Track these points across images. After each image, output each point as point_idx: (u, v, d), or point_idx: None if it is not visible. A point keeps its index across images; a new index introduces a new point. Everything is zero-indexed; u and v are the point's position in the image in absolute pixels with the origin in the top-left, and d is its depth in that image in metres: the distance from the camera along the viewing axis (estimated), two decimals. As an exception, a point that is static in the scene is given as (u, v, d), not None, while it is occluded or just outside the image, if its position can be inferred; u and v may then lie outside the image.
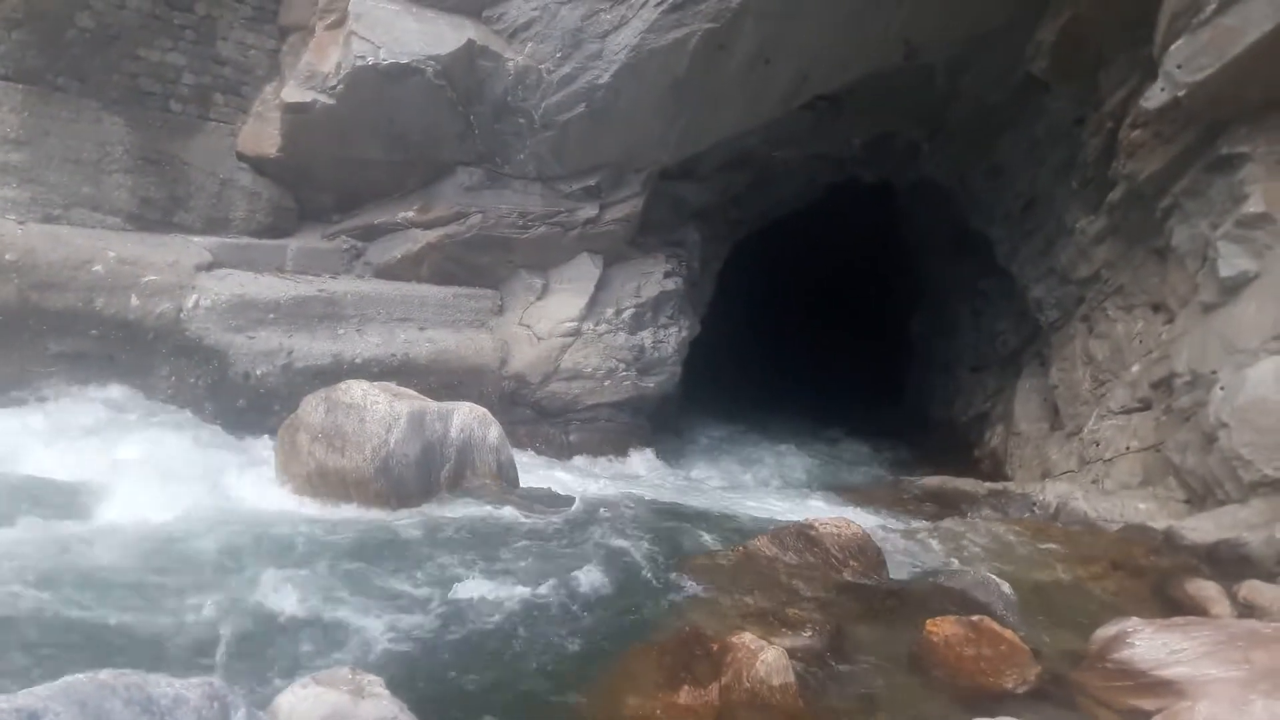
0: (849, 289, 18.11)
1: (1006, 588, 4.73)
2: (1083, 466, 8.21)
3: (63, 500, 5.11)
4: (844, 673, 3.75)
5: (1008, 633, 3.90)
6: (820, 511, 6.90)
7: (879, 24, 8.98)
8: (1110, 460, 7.75)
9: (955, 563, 5.60)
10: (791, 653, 3.51)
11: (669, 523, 5.83)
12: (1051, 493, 7.77)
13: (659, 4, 8.19)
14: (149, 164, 7.97)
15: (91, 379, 7.01)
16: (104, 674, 2.08)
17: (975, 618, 3.99)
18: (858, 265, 17.20)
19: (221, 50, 8.43)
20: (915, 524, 6.76)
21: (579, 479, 7.99)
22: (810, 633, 3.94)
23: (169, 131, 8.14)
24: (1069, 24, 8.32)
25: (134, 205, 7.87)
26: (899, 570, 5.17)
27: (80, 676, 2.03)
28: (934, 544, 5.98)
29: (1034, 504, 7.78)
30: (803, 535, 4.85)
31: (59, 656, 3.30)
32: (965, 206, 11.39)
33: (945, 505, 7.91)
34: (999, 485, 8.64)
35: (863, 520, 5.87)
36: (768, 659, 3.38)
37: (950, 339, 13.22)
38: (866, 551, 4.85)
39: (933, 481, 8.90)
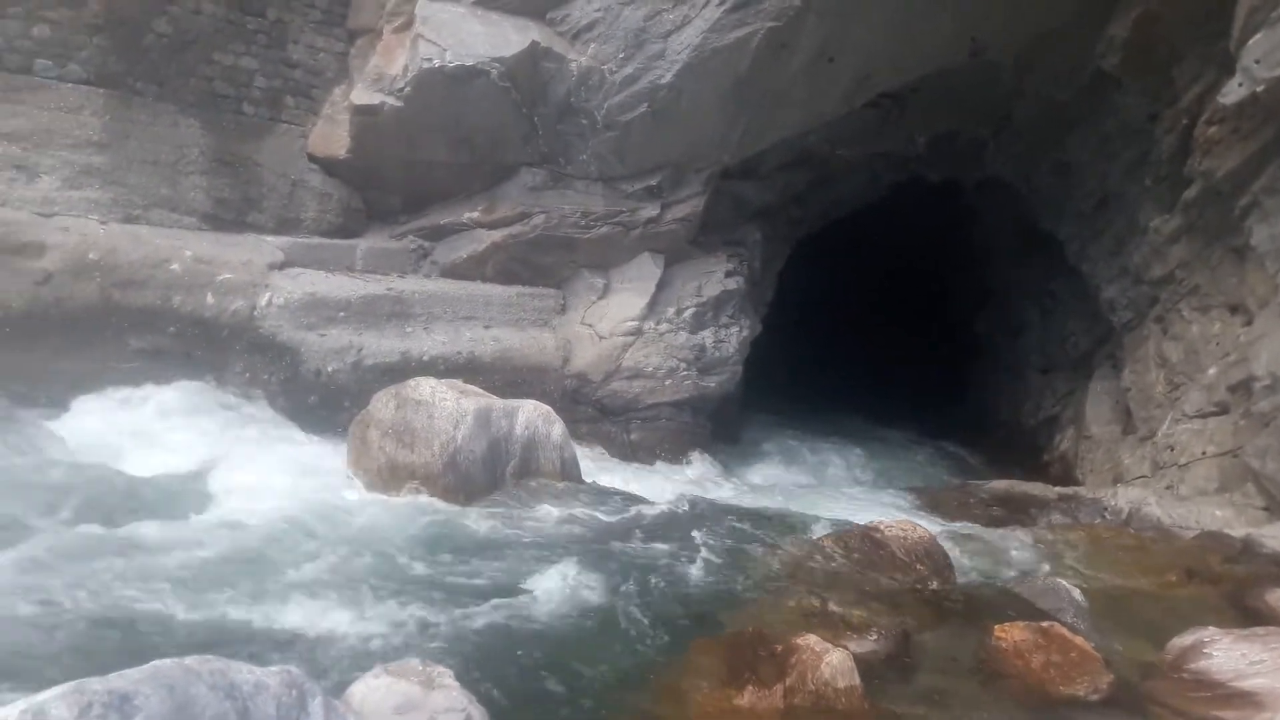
0: (912, 288, 17.86)
1: (1077, 594, 4.64)
2: (1156, 472, 8.02)
3: (141, 494, 5.30)
4: (910, 677, 3.72)
5: (1079, 640, 3.82)
6: (885, 514, 6.82)
7: (944, 21, 8.86)
8: (1185, 465, 7.56)
9: (1024, 568, 5.51)
10: (856, 656, 3.48)
11: (731, 522, 5.82)
12: (1124, 498, 7.60)
13: (721, 3, 8.18)
14: (223, 165, 8.18)
15: (169, 375, 7.22)
16: (190, 660, 2.14)
17: (1045, 624, 3.93)
18: (921, 264, 16.96)
19: (292, 54, 8.62)
20: (982, 528, 6.65)
21: (640, 477, 8.03)
22: (876, 636, 3.91)
23: (242, 134, 8.35)
24: (1141, 19, 8.13)
25: (209, 206, 8.09)
26: (966, 575, 5.11)
27: (167, 661, 2.09)
28: (1002, 549, 5.88)
29: (1105, 509, 7.61)
30: (868, 538, 4.82)
31: (142, 645, 3.41)
32: (1033, 205, 11.19)
33: (1013, 510, 7.78)
34: (1069, 490, 8.46)
35: (928, 523, 5.80)
36: (833, 661, 3.37)
37: (1017, 340, 12.98)
38: (933, 555, 4.79)
39: (1000, 485, 8.75)
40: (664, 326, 9.86)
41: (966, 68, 9.50)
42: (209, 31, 8.04)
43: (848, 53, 8.80)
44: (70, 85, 7.42)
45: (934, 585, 4.70)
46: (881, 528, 4.89)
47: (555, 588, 4.22)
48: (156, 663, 2.06)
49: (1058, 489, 8.53)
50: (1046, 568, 5.51)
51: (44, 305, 6.84)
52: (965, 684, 3.70)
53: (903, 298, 18.26)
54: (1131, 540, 6.31)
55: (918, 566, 4.75)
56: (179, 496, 5.42)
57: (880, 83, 9.48)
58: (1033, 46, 9.39)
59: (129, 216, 7.59)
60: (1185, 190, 7.96)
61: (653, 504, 6.08)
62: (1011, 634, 3.85)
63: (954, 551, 5.22)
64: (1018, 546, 5.99)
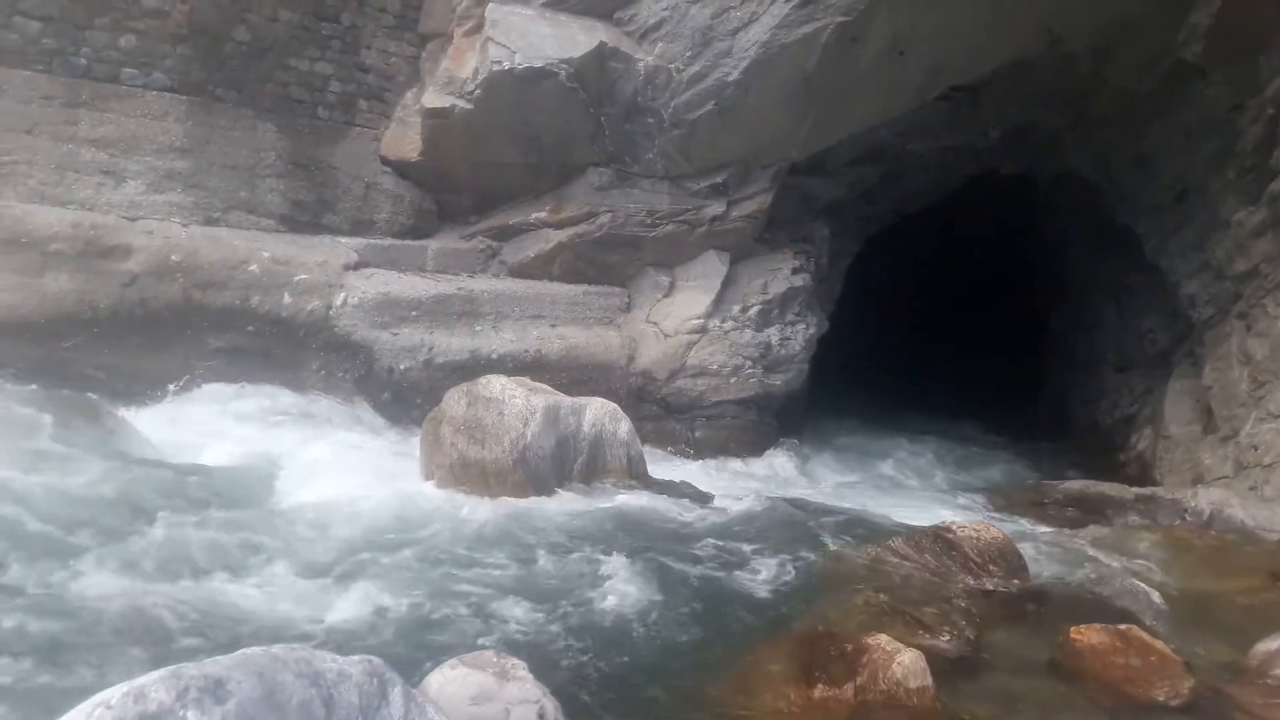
0: (985, 284, 17.55)
1: (1156, 597, 4.54)
2: (1239, 472, 7.78)
3: (219, 488, 5.45)
4: (983, 678, 3.68)
5: (1158, 643, 3.74)
6: (956, 514, 6.75)
7: (1019, 12, 8.69)
8: (1270, 466, 7.32)
9: (1100, 570, 5.40)
10: (928, 655, 3.45)
11: (798, 521, 5.80)
12: (1205, 499, 7.37)
13: (789, -1, 8.15)
14: (299, 169, 8.39)
15: (248, 373, 7.44)
16: (277, 648, 2.21)
17: (1123, 626, 3.85)
18: (995, 260, 16.66)
19: (365, 58, 8.81)
20: (1057, 529, 6.53)
21: (706, 475, 8.03)
22: (948, 636, 3.87)
23: (317, 137, 8.56)
24: (1226, 5, 7.88)
25: (286, 208, 8.31)
26: (1040, 576, 5.01)
27: (256, 649, 2.16)
28: (1077, 550, 5.76)
29: (1185, 511, 7.39)
30: (940, 538, 4.76)
31: (223, 631, 3.53)
32: (1110, 199, 10.91)
33: (1089, 510, 7.60)
34: (1147, 490, 8.24)
35: (1001, 524, 5.71)
36: (904, 661, 3.35)
37: (1093, 337, 12.68)
38: (1007, 556, 4.72)
39: (1075, 485, 8.55)
40: (729, 324, 9.84)
41: (1042, 59, 9.29)
42: (285, 38, 8.26)
43: (919, 45, 8.68)
44: (154, 93, 7.69)
45: (1007, 586, 4.63)
46: (954, 528, 4.83)
47: (623, 583, 4.26)
48: (246, 650, 2.13)
49: (1135, 489, 8.31)
50: (1124, 570, 5.38)
51: (129, 305, 7.10)
52: (1040, 686, 3.64)
53: (976, 293, 17.96)
54: (1213, 542, 6.14)
55: (991, 567, 4.68)
56: (256, 490, 5.58)
57: (953, 75, 9.33)
58: (1111, 36, 9.14)
59: (209, 219, 7.84)
60: (1271, 182, 7.70)
61: (719, 501, 6.09)
62: (1088, 636, 3.78)
63: (1028, 552, 5.13)
64: (1093, 548, 5.87)
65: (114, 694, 1.82)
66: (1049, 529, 6.62)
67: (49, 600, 3.59)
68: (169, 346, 7.25)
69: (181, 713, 1.83)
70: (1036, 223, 14.10)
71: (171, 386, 7.09)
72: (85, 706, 1.80)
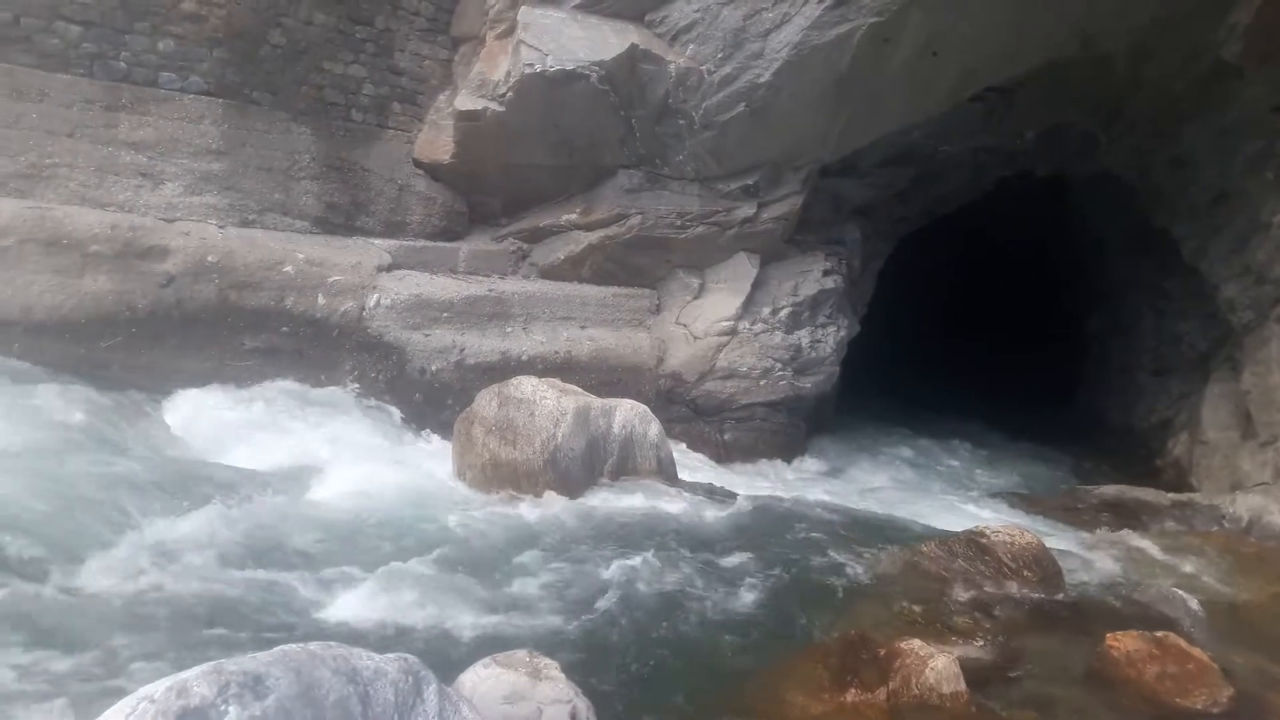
0: (1017, 286, 17.40)
1: (1194, 603, 4.48)
2: (1279, 478, 7.65)
3: (254, 486, 5.51)
4: (1017, 684, 3.65)
5: (1196, 650, 3.70)
6: (989, 519, 6.69)
7: (1053, 12, 8.60)
8: (1312, 472, 7.20)
9: (1136, 576, 5.34)
10: (962, 661, 3.43)
11: (829, 524, 5.78)
12: (1243, 505, 7.28)
13: (822, 0, 8.10)
14: (333, 171, 8.47)
15: (282, 373, 7.51)
16: (314, 645, 2.24)
17: (1160, 633, 3.81)
18: (1027, 261, 16.51)
19: (399, 61, 8.88)
20: (1092, 534, 6.46)
21: (735, 477, 8.02)
22: (981, 642, 3.85)
23: (351, 140, 8.63)
24: (1266, 5, 7.78)
25: (320, 210, 8.38)
26: (1075, 582, 4.97)
27: (294, 646, 2.19)
28: (1113, 556, 5.71)
29: (1223, 517, 7.30)
30: (973, 543, 4.73)
31: (256, 628, 3.57)
32: (1147, 201, 10.78)
33: (1124, 516, 7.52)
34: (1183, 496, 8.15)
35: (1035, 529, 5.66)
36: (938, 666, 3.33)
37: (1129, 340, 12.53)
38: (1041, 562, 4.67)
39: (1110, 490, 8.47)
40: (759, 326, 9.82)
41: (1077, 59, 9.19)
42: (320, 41, 8.33)
43: (953, 47, 8.62)
44: (192, 96, 7.77)
45: (1042, 592, 4.59)
46: (987, 533, 4.79)
47: (653, 584, 4.27)
48: (284, 647, 2.16)
49: (1171, 495, 8.23)
50: (1160, 576, 5.32)
51: (166, 306, 7.19)
52: (1074, 693, 3.61)
53: (1007, 296, 17.81)
54: (1252, 549, 6.06)
55: (1025, 573, 4.64)
56: (290, 488, 5.64)
57: (986, 77, 9.26)
58: (1147, 36, 9.04)
59: (245, 221, 7.92)
60: (1313, 184, 7.59)
61: (749, 504, 6.07)
62: (1124, 643, 3.74)
63: (1062, 558, 5.08)
64: (1129, 554, 5.82)
65: (157, 688, 1.85)
66: (1084, 534, 6.55)
67: (81, 593, 3.65)
68: (205, 346, 7.33)
69: (223, 707, 1.86)
70: (1070, 224, 13.95)
71: (207, 385, 7.17)
72: (129, 700, 1.83)
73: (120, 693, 2.78)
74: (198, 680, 1.88)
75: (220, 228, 7.67)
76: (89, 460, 5.17)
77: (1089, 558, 5.62)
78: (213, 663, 1.97)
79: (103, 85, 7.41)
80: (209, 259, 7.34)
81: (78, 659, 3.12)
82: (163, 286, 7.16)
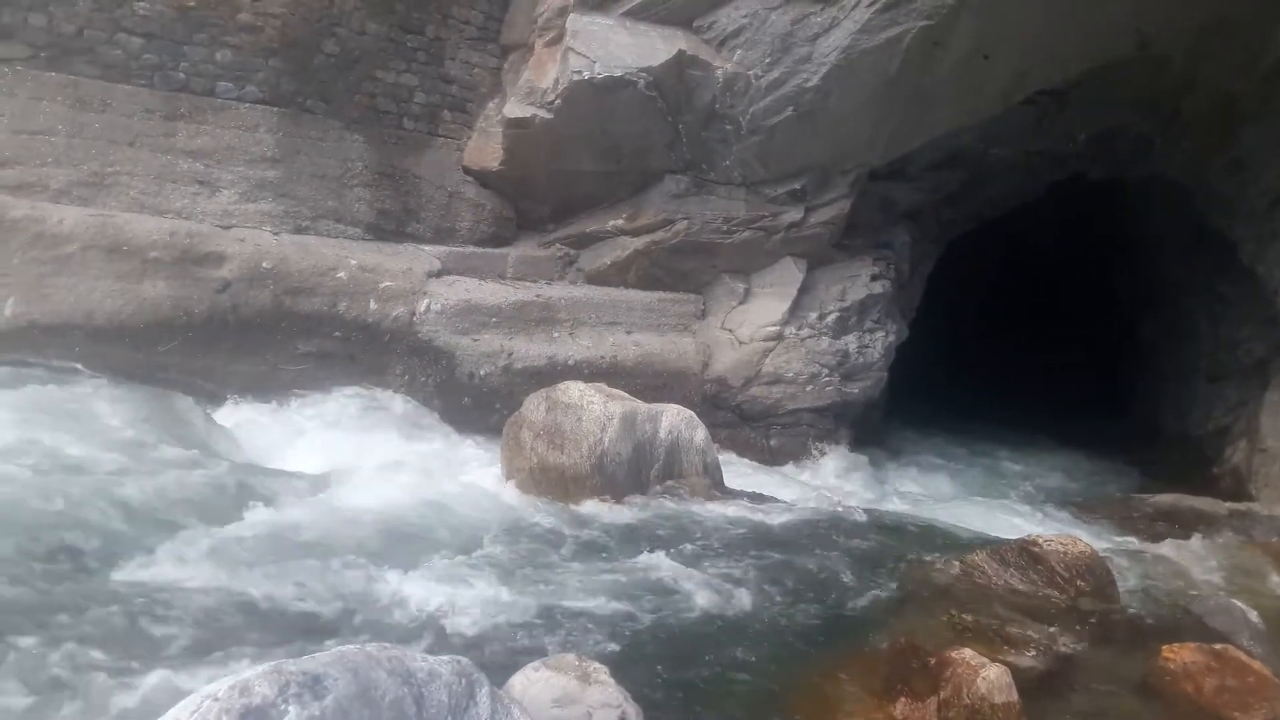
0: (1070, 291, 17.12)
1: (1254, 615, 4.37)
2: (1343, 488, 7.46)
3: (311, 488, 5.61)
4: (1070, 695, 3.59)
5: (1255, 663, 3.61)
6: (1040, 527, 6.61)
7: (1108, 13, 8.47)
8: (1376, 482, 7.00)
9: (1193, 587, 5.23)
10: (1014, 671, 3.38)
11: (877, 531, 5.74)
12: (1305, 516, 7.10)
13: (871, 4, 8.05)
14: (385, 178, 8.59)
15: (334, 377, 7.64)
16: (370, 646, 2.28)
17: (1218, 646, 3.72)
18: (1080, 266, 16.24)
19: (449, 70, 8.99)
20: (1147, 544, 6.34)
21: (782, 483, 7.99)
22: (1034, 652, 3.79)
23: (402, 148, 8.76)
24: (1330, 3, 7.58)
25: (372, 216, 8.50)
26: (1130, 593, 4.88)
27: (351, 647, 2.23)
28: (1168, 566, 5.59)
29: (1284, 527, 7.13)
30: (1025, 552, 4.66)
31: (308, 628, 3.63)
32: (1203, 203, 10.57)
33: (1180, 525, 7.37)
34: (1242, 506, 7.97)
35: (1088, 538, 5.56)
36: (989, 676, 3.29)
37: (1184, 346, 12.27)
38: (1095, 571, 4.59)
39: (1166, 499, 8.30)
40: (806, 331, 9.78)
41: (1132, 61, 9.05)
42: (372, 50, 8.47)
43: (1004, 49, 8.52)
44: (248, 105, 7.94)
45: (1095, 602, 4.51)
46: (1040, 542, 4.72)
47: (701, 590, 4.27)
48: (341, 648, 2.20)
49: (1229, 504, 8.05)
50: (1218, 587, 5.21)
51: (222, 311, 7.34)
52: (1130, 706, 3.55)
53: (1061, 300, 17.54)
54: (1316, 561, 5.90)
55: (1078, 583, 4.56)
56: (341, 490, 5.72)
57: (1038, 79, 9.14)
58: (1204, 37, 8.87)
59: (299, 227, 8.07)
60: (1378, 186, 7.39)
61: (796, 510, 6.04)
62: (1181, 655, 3.67)
63: (1116, 568, 5.00)
64: (1186, 564, 5.70)
65: (220, 687, 1.90)
66: (1138, 544, 6.43)
67: (139, 592, 3.73)
68: (259, 351, 7.48)
69: (283, 706, 1.90)
70: (1122, 227, 13.71)
71: (262, 389, 7.31)
72: (194, 699, 1.88)
73: (173, 691, 2.86)
74: (259, 680, 1.93)
75: (275, 234, 7.81)
76: (147, 461, 5.31)
77: (1144, 568, 5.52)
78: (273, 663, 2.01)
79: (162, 95, 7.60)
80: (264, 265, 7.48)
81: (134, 657, 3.20)
82: (219, 292, 7.32)
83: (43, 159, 7.13)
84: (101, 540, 4.16)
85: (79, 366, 6.68)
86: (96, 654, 3.16)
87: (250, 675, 1.94)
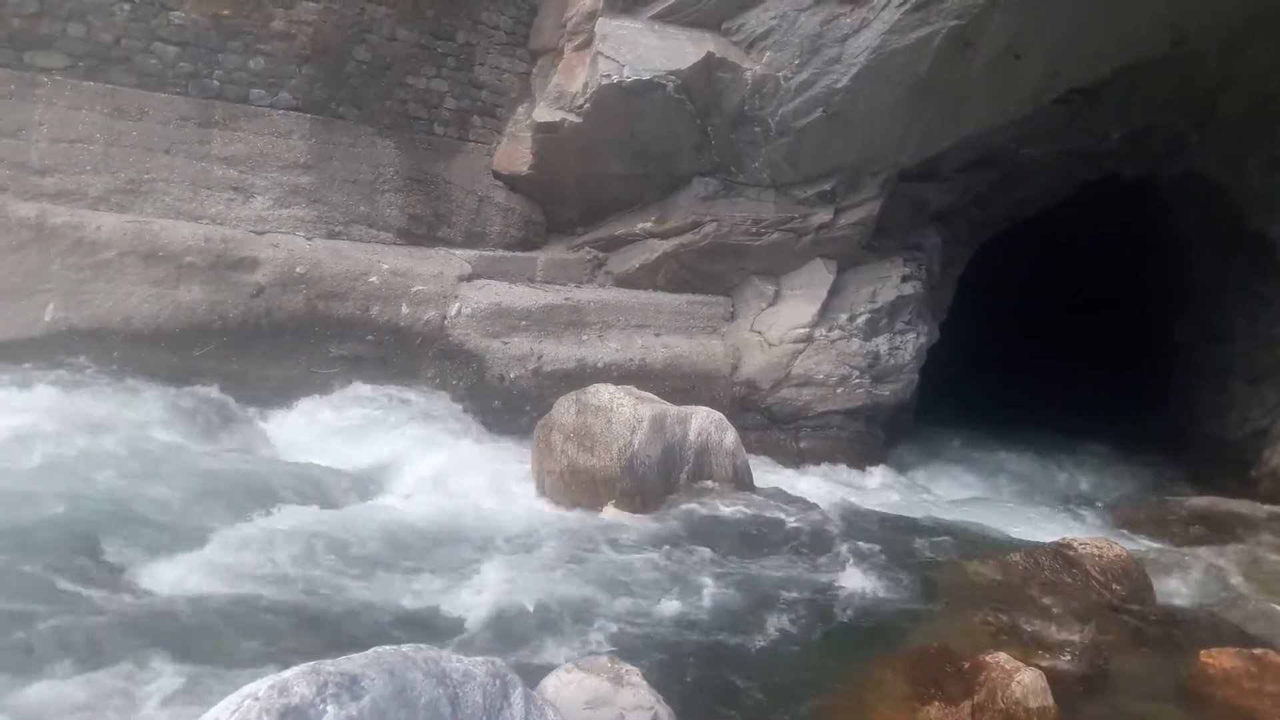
0: (1103, 291, 16.92)
1: (1293, 621, 4.32)
2: (1386, 491, 7.32)
3: (340, 489, 5.67)
4: (1106, 700, 3.56)
5: (1297, 669, 3.57)
6: (1075, 530, 6.53)
7: (1142, 11, 8.36)
8: None
9: (1231, 591, 5.16)
10: (1049, 675, 3.36)
11: (909, 534, 5.71)
12: (1347, 520, 6.97)
13: (901, 4, 8.01)
14: (416, 183, 8.66)
15: (366, 380, 7.70)
16: (406, 647, 2.31)
17: (1258, 650, 3.68)
18: (1114, 266, 16.05)
19: (479, 75, 9.05)
20: (1183, 548, 6.26)
21: (812, 486, 7.95)
22: (1069, 656, 3.76)
23: (433, 153, 8.82)
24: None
25: (403, 221, 8.57)
26: (1166, 596, 4.83)
27: (387, 648, 2.26)
28: (1205, 570, 5.52)
29: (1325, 531, 7.00)
30: (1060, 555, 4.63)
31: (349, 626, 3.67)
32: (1239, 202, 10.42)
33: (1217, 529, 7.25)
34: (1281, 509, 7.83)
35: (1123, 541, 5.51)
36: (1024, 680, 3.26)
37: (1222, 347, 12.08)
38: (1131, 575, 4.55)
39: (1202, 502, 8.17)
40: (836, 333, 9.73)
41: (1166, 58, 8.93)
42: (403, 56, 8.54)
43: (1036, 48, 8.44)
44: (281, 112, 8.03)
45: (1131, 606, 4.47)
46: (1074, 545, 4.68)
47: (733, 593, 4.27)
48: (378, 649, 2.23)
49: (1268, 507, 7.89)
50: (1256, 592, 5.14)
51: (256, 316, 7.43)
52: (1168, 711, 3.51)
53: (1094, 300, 17.35)
54: (1358, 566, 5.80)
55: (1114, 586, 4.52)
56: (375, 491, 5.81)
57: (1071, 78, 9.04)
58: (1240, 33, 8.74)
59: (331, 233, 8.15)
60: None
61: (826, 513, 6.02)
62: (1219, 660, 3.63)
63: (1152, 571, 4.94)
64: (1223, 568, 5.62)
65: (260, 687, 1.93)
66: (1175, 548, 6.35)
67: (178, 592, 3.79)
68: (293, 354, 7.56)
69: (321, 706, 1.93)
70: (1156, 227, 13.53)
71: (294, 392, 7.39)
72: (234, 698, 1.91)
73: (209, 690, 2.90)
74: (298, 680, 1.96)
75: (308, 239, 7.90)
76: (184, 463, 5.38)
77: (1181, 571, 5.45)
78: (311, 663, 2.04)
79: (197, 103, 7.71)
80: (297, 270, 7.56)
81: (171, 656, 3.24)
82: (253, 296, 7.40)
83: (81, 167, 7.26)
84: (135, 542, 4.21)
85: (117, 370, 6.78)
86: (126, 656, 3.20)
87: (289, 675, 1.97)
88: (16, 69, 7.10)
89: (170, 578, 3.94)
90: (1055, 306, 18.21)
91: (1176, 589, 5.12)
